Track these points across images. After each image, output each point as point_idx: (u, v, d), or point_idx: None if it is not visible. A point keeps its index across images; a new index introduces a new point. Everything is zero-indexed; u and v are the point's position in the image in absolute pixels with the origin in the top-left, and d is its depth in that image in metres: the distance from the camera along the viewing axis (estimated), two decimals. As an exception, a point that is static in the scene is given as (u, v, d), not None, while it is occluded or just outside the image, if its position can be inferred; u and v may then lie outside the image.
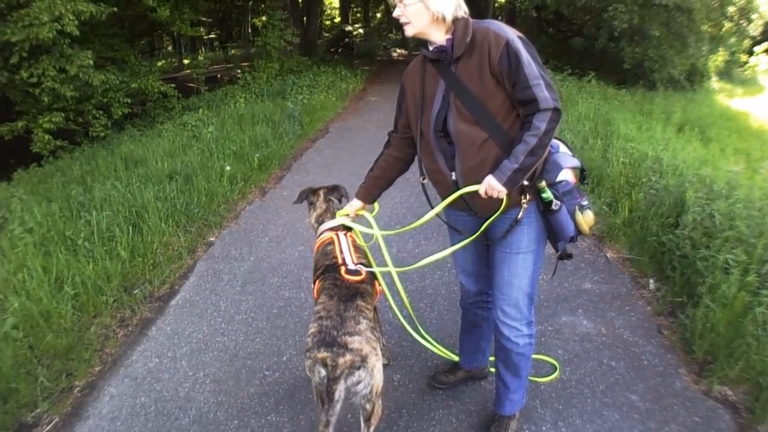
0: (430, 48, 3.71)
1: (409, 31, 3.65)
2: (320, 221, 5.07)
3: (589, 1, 24.89)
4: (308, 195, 5.36)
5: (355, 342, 3.66)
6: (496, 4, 45.01)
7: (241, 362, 5.83)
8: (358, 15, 67.31)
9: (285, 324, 6.46)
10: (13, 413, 5.29)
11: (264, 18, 32.03)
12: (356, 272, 4.25)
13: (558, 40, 36.00)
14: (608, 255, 7.64)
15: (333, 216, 4.94)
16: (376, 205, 4.77)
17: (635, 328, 5.97)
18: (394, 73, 31.72)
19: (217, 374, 5.67)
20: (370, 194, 4.59)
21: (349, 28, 52.41)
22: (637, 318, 6.17)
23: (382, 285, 4.64)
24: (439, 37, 3.63)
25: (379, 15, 66.88)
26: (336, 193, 5.32)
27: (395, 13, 3.62)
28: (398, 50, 49.89)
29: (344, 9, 60.78)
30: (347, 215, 4.66)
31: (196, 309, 6.93)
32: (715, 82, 32.17)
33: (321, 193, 5.28)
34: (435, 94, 3.76)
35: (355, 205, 4.63)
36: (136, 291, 7.35)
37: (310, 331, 3.82)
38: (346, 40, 45.63)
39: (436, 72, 3.75)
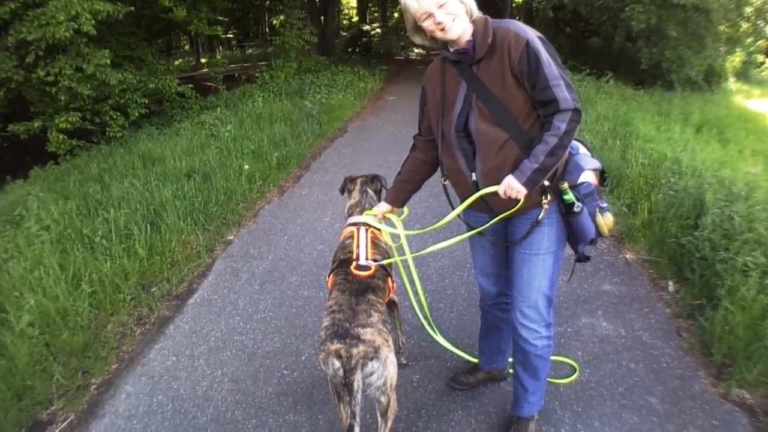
0: (451, 50, 3.69)
1: (457, 27, 3.54)
2: (350, 213, 5.10)
3: (606, 1, 24.79)
4: (347, 183, 5.40)
5: (367, 333, 3.68)
6: (514, 4, 44.93)
7: (260, 361, 5.84)
8: (376, 14, 67.17)
9: (304, 323, 6.47)
10: (27, 410, 5.31)
11: (282, 17, 32.05)
12: (366, 267, 4.27)
13: (575, 40, 36.01)
14: (627, 256, 7.61)
15: (364, 210, 4.95)
16: (405, 208, 4.76)
17: (654, 330, 5.95)
18: (412, 73, 31.70)
19: (235, 373, 5.68)
20: (398, 198, 4.60)
21: (367, 27, 52.35)
22: (656, 320, 6.14)
23: (405, 284, 4.69)
24: (468, 32, 3.59)
25: (396, 15, 66.54)
26: (374, 184, 5.36)
27: (440, 18, 3.50)
28: (416, 50, 49.73)
29: (362, 8, 60.72)
30: (374, 216, 4.66)
31: (215, 307, 6.95)
32: (732, 83, 31.99)
33: (358, 182, 5.32)
34: (456, 95, 3.74)
35: (383, 207, 4.63)
36: (153, 289, 7.38)
37: (323, 325, 3.85)
38: (364, 39, 45.47)
39: (457, 73, 3.73)
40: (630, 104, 18.53)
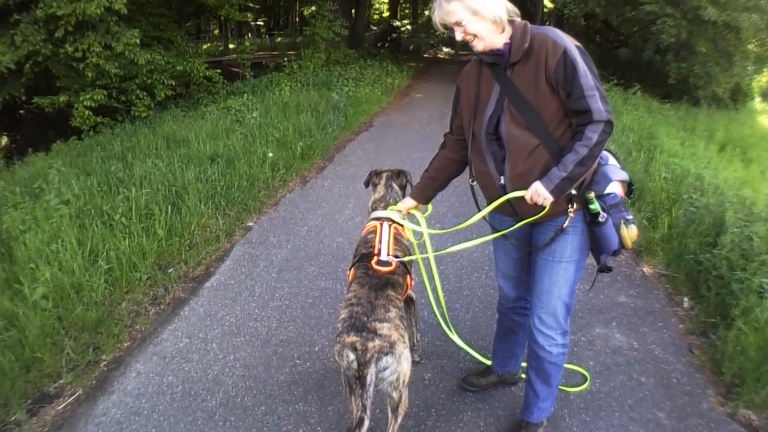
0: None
1: (481, 45, 3.63)
2: (374, 207, 5.09)
3: (638, 13, 24.62)
4: (372, 177, 5.39)
5: (384, 328, 3.71)
6: (545, 10, 44.78)
7: (273, 349, 5.87)
8: (407, 11, 66.86)
9: (319, 314, 6.48)
10: (35, 382, 5.36)
11: (312, 8, 32.04)
12: (386, 263, 4.29)
13: (605, 50, 35.78)
14: (645, 270, 7.60)
15: (388, 205, 4.96)
16: (429, 206, 4.77)
17: (666, 346, 5.94)
18: (440, 72, 31.70)
19: (247, 359, 5.70)
20: (423, 194, 4.61)
21: (397, 23, 52.23)
22: (669, 335, 6.14)
23: (424, 281, 4.75)
24: (498, 39, 3.61)
25: (427, 12, 66.33)
26: (399, 179, 5.34)
27: (459, 38, 3.61)
28: (445, 49, 49.58)
29: (393, 4, 60.60)
30: (399, 211, 4.67)
31: (231, 292, 6.97)
32: (758, 103, 31.78)
33: (384, 176, 5.30)
34: (489, 97, 3.77)
35: (408, 203, 4.64)
36: (170, 270, 7.43)
37: (340, 317, 3.89)
38: (394, 35, 45.19)
39: (491, 75, 3.75)
40: (656, 117, 18.43)
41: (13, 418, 5.00)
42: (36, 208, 8.19)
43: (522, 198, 3.67)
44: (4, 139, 21.17)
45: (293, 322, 6.34)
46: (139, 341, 6.09)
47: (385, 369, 3.64)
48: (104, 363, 5.73)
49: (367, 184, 5.44)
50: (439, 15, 3.64)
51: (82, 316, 6.14)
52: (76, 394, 5.27)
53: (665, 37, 22.88)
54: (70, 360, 5.63)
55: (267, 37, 53.99)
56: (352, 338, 3.64)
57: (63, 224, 7.59)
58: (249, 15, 28.18)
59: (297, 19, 51.26)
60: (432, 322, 5.66)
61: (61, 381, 5.40)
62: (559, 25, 37.55)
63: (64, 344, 5.78)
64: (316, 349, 5.86)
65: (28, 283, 6.31)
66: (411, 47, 44.85)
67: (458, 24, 3.56)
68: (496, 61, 3.68)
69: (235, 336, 6.11)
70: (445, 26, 3.66)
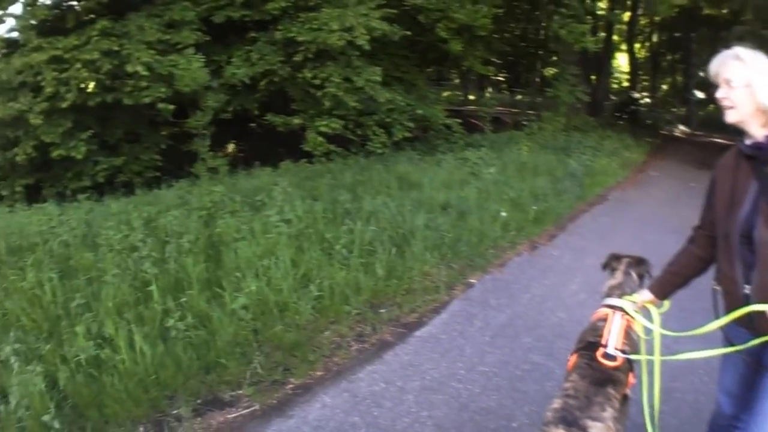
0: (747, 142, 3.40)
1: (732, 117, 3.34)
2: (609, 293, 4.72)
3: None
4: (611, 260, 5.07)
5: (596, 428, 3.42)
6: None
7: (470, 415, 5.57)
8: (645, 83, 65.91)
9: (526, 389, 6.11)
10: (211, 385, 5.50)
11: (554, 70, 31.90)
12: (613, 357, 3.98)
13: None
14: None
15: (624, 294, 4.60)
16: (666, 302, 4.41)
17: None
18: (675, 150, 31.08)
19: (441, 420, 5.44)
20: (662, 289, 4.29)
21: (637, 95, 51.50)
22: None
23: (643, 381, 4.33)
24: (757, 130, 3.32)
25: (665, 87, 65.41)
26: (639, 268, 4.97)
27: (719, 94, 3.35)
28: (681, 127, 48.56)
29: (633, 74, 59.68)
30: (634, 303, 4.37)
31: (439, 347, 6.76)
32: None
33: (624, 262, 4.96)
34: (745, 194, 3.42)
35: (644, 296, 4.34)
36: (383, 310, 7.39)
37: (552, 405, 3.61)
38: (632, 107, 44.76)
39: (749, 170, 3.41)
40: None
41: (174, 411, 5.14)
42: (254, 220, 8.45)
43: (763, 313, 3.31)
44: (231, 147, 21.90)
45: (497, 392, 6.02)
46: (334, 374, 6.05)
47: None
48: (291, 386, 5.76)
49: (604, 267, 5.12)
50: (716, 63, 3.39)
51: (279, 335, 6.22)
52: (252, 408, 5.34)
53: None
54: (255, 374, 5.72)
55: (507, 93, 54.29)
56: (560, 431, 3.38)
57: (280, 242, 7.74)
58: (491, 69, 28.18)
59: (538, 80, 51.25)
60: (636, 420, 5.27)
61: (240, 391, 5.51)
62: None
63: (253, 357, 5.88)
64: (515, 425, 5.52)
65: (230, 290, 6.45)
66: (648, 121, 44.14)
67: (727, 82, 3.30)
68: (755, 154, 3.35)
69: (434, 392, 5.87)
70: (716, 78, 3.39)
